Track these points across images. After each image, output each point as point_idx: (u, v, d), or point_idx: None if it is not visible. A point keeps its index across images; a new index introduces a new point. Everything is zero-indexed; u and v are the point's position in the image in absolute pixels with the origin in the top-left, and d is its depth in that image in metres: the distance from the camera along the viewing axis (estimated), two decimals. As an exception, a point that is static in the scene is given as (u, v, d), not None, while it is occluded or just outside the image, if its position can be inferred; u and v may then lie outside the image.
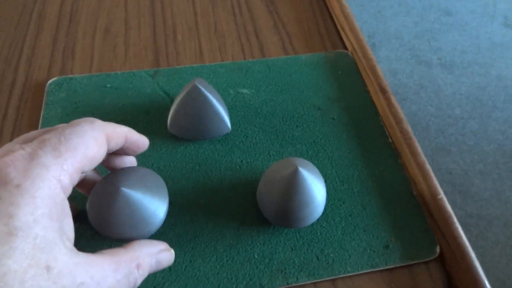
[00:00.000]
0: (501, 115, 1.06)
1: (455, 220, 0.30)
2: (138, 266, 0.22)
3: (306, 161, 0.28)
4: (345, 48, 0.44)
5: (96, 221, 0.25)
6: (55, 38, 0.42)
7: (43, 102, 0.36)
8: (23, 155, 0.19)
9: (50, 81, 0.38)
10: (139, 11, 0.46)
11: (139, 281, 0.22)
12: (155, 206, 0.26)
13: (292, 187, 0.27)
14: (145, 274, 0.23)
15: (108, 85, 0.38)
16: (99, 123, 0.22)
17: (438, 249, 0.30)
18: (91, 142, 0.21)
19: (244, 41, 0.43)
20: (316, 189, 0.27)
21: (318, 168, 0.33)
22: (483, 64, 1.17)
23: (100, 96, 0.37)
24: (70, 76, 0.38)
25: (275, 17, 0.46)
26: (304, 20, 0.47)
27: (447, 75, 1.13)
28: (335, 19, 0.46)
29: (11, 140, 0.34)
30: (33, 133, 0.22)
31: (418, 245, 0.30)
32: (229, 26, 0.45)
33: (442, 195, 0.31)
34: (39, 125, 0.34)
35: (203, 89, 0.31)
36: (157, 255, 0.24)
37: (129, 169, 0.27)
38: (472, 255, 0.28)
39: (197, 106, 0.31)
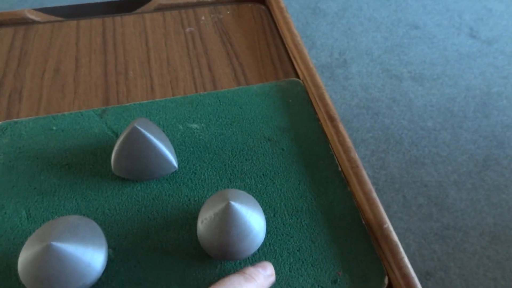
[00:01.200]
0: (472, 124, 1.08)
1: (401, 249, 0.30)
2: None
3: (239, 192, 0.28)
4: (297, 76, 0.44)
5: (27, 279, 0.25)
6: (2, 82, 0.41)
7: (-14, 149, 0.35)
8: None
9: (-6, 127, 0.37)
10: (90, 49, 0.46)
11: None
12: (90, 257, 0.25)
13: (226, 222, 0.26)
14: None
15: (54, 128, 0.37)
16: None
17: (386, 280, 0.29)
18: None
19: (197, 74, 0.44)
20: (252, 219, 0.27)
21: (266, 201, 0.33)
22: (452, 75, 1.19)
23: (46, 139, 0.36)
24: (15, 120, 0.38)
25: (228, 48, 0.47)
26: (257, 49, 0.47)
27: (417, 87, 1.15)
28: (288, 48, 0.47)
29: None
30: None
31: (366, 277, 0.30)
32: (182, 60, 0.45)
33: (388, 224, 0.31)
34: (-19, 174, 0.34)
35: (143, 131, 0.31)
36: None
37: (60, 220, 0.26)
38: (418, 285, 0.28)
39: (138, 148, 0.31)
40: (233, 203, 0.26)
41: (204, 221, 0.28)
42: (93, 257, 0.26)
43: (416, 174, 0.96)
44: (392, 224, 0.86)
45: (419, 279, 0.76)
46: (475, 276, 0.79)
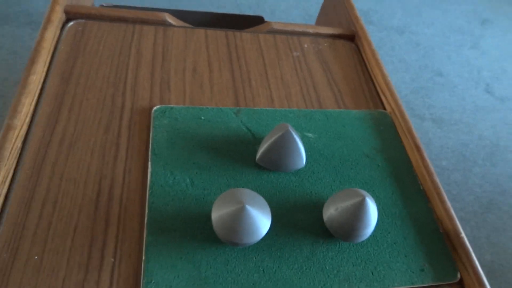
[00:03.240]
0: (480, 170, 1.20)
1: (473, 254, 0.40)
2: None
3: (366, 192, 0.38)
4: (384, 108, 0.54)
5: (222, 230, 0.33)
6: (152, 72, 0.50)
7: (151, 125, 0.44)
8: None
9: (155, 108, 0.46)
10: (218, 56, 0.55)
11: None
12: (265, 217, 0.35)
13: (360, 212, 0.36)
14: None
15: (202, 117, 0.46)
16: None
17: (459, 275, 0.39)
18: None
19: (305, 92, 0.53)
20: (374, 214, 0.37)
21: (369, 203, 0.42)
22: (467, 123, 1.32)
23: (196, 126, 0.45)
24: (171, 106, 0.47)
25: (328, 75, 0.57)
26: (351, 79, 0.57)
27: (436, 129, 1.28)
28: (375, 83, 0.57)
29: (126, 154, 0.41)
30: None
31: (444, 271, 0.39)
32: (293, 79, 0.55)
33: (463, 234, 0.41)
34: (150, 145, 0.42)
35: (293, 134, 0.40)
36: None
37: (242, 190, 0.35)
38: (486, 282, 0.38)
39: (287, 146, 0.41)
40: (367, 199, 0.36)
41: (339, 208, 0.37)
42: (266, 218, 0.35)
43: (429, 205, 1.07)
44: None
45: None
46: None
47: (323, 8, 0.79)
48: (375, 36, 1.53)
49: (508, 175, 1.21)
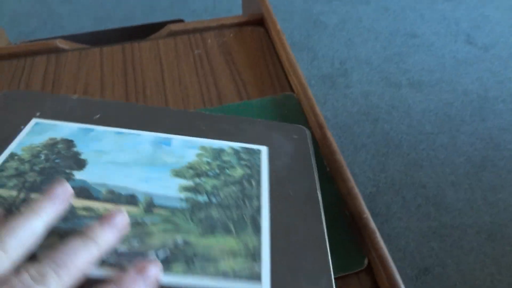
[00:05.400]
0: (469, 128, 1.12)
1: (378, 235, 0.35)
2: None
3: None
4: (292, 90, 0.50)
5: None
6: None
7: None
8: None
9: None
10: (113, 72, 0.53)
11: None
12: None
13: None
14: None
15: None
16: None
17: (366, 261, 0.35)
18: None
19: (205, 91, 0.50)
20: None
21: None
22: (449, 81, 1.24)
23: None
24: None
25: (231, 67, 0.54)
26: (257, 67, 0.54)
27: (416, 93, 1.21)
28: (284, 66, 0.53)
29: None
30: None
31: (350, 259, 0.35)
32: (192, 79, 0.52)
33: (367, 214, 0.37)
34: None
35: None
36: None
37: None
38: (392, 264, 0.34)
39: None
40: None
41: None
42: None
43: (415, 176, 1.01)
44: (392, 224, 0.91)
45: (418, 275, 0.81)
46: (472, 271, 0.83)
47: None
48: (341, 10, 1.47)
49: (501, 127, 1.13)
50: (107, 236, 0.25)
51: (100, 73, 0.53)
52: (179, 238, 0.30)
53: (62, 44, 0.56)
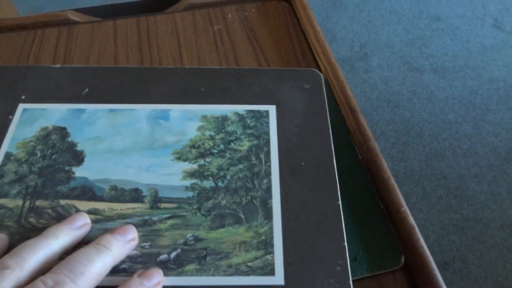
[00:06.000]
0: (494, 117, 1.07)
1: (417, 231, 0.32)
2: None
3: None
4: (320, 70, 0.46)
5: None
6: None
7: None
8: None
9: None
10: (127, 47, 0.49)
11: None
12: None
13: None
14: None
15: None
16: None
17: (403, 259, 0.32)
18: None
19: (225, 69, 0.47)
20: None
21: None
22: (474, 67, 1.18)
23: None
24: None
25: (254, 44, 0.50)
26: (281, 45, 0.50)
27: (439, 80, 1.15)
28: (310, 44, 0.49)
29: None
30: None
31: (384, 256, 0.32)
32: (211, 56, 0.48)
33: (405, 207, 0.33)
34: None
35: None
36: None
37: None
38: (433, 264, 0.31)
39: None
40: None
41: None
42: None
43: (436, 166, 0.97)
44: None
45: (437, 269, 0.78)
46: (494, 267, 0.80)
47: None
48: (361, -10, 1.41)
49: (529, 117, 1.07)
50: (120, 245, 0.26)
51: (114, 48, 0.49)
52: (188, 235, 0.28)
53: (73, 16, 0.52)
